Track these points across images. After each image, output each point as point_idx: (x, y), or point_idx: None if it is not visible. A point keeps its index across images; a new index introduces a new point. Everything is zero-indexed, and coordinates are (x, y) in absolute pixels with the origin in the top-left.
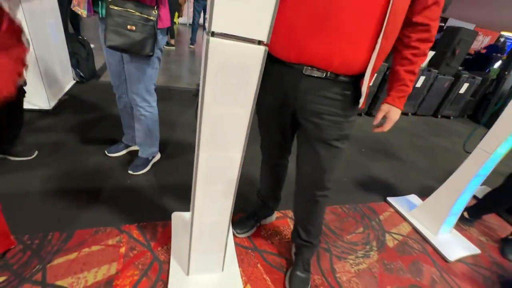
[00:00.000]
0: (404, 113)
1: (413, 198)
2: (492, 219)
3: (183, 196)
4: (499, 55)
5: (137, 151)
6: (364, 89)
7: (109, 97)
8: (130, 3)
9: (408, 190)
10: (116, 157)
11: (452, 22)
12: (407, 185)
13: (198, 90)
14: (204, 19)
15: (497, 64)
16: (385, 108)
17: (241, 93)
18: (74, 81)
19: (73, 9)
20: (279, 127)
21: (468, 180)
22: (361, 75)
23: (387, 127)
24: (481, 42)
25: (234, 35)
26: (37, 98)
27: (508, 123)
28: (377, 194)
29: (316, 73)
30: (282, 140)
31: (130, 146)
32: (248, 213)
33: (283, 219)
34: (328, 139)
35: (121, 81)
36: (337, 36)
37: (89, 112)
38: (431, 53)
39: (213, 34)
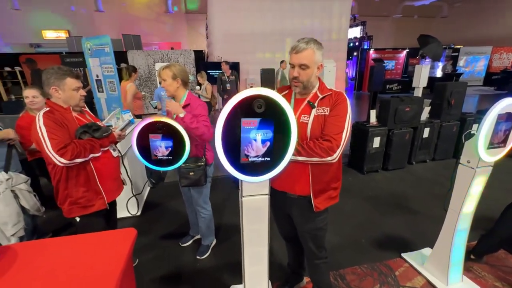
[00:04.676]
0: (422, 161)
1: (427, 251)
2: (510, 262)
3: (236, 270)
4: None
5: (199, 239)
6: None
7: (173, 195)
8: (189, 158)
9: (423, 243)
10: (186, 246)
11: (466, 50)
12: (422, 238)
13: None
14: None
15: None
16: None
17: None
18: (149, 187)
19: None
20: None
21: (452, 237)
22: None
23: None
24: (506, 59)
25: (252, 194)
26: (131, 209)
27: (462, 184)
28: (393, 251)
29: (291, 195)
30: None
31: (194, 236)
32: (282, 281)
33: (311, 284)
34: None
35: (189, 199)
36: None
37: (163, 210)
38: (427, 109)
39: (243, 196)
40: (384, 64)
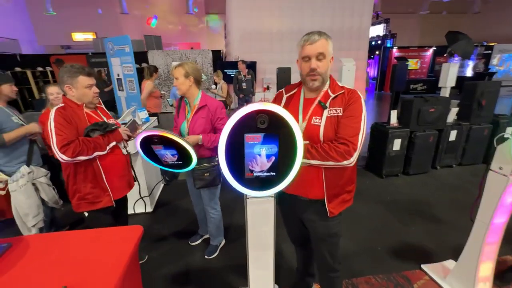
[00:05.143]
0: (448, 166)
1: (450, 263)
2: None
3: (244, 272)
4: None
5: (209, 238)
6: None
7: (185, 193)
8: (203, 160)
9: (446, 255)
10: (195, 245)
11: (500, 47)
12: (444, 249)
13: None
14: None
15: None
16: None
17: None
18: (163, 184)
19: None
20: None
21: (479, 250)
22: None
23: None
24: None
25: (258, 196)
26: (144, 206)
27: (492, 192)
28: (411, 261)
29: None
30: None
31: (203, 235)
32: (290, 287)
33: None
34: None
35: (197, 199)
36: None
37: (175, 208)
38: (454, 110)
39: (247, 198)
40: (407, 63)
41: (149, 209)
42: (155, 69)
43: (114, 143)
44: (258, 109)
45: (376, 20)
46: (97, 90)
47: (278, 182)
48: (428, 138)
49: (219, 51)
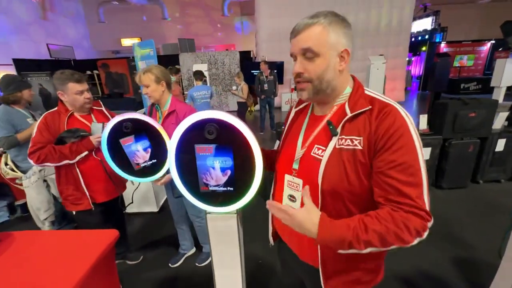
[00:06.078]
0: (495, 181)
1: None
2: None
3: None
4: None
5: (193, 254)
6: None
7: None
8: None
9: None
10: (176, 266)
11: None
12: (470, 284)
13: None
14: (270, 112)
15: None
16: (310, 208)
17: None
18: None
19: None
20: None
21: None
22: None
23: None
24: None
25: (216, 212)
26: (150, 206)
27: None
28: None
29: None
30: None
31: (186, 253)
32: None
33: None
34: None
35: (178, 209)
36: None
37: None
38: (503, 114)
39: (207, 213)
40: (455, 58)
41: (155, 209)
42: (176, 71)
43: (86, 153)
44: (205, 117)
45: (423, 13)
46: (89, 96)
47: (237, 198)
48: (467, 148)
49: (248, 52)
